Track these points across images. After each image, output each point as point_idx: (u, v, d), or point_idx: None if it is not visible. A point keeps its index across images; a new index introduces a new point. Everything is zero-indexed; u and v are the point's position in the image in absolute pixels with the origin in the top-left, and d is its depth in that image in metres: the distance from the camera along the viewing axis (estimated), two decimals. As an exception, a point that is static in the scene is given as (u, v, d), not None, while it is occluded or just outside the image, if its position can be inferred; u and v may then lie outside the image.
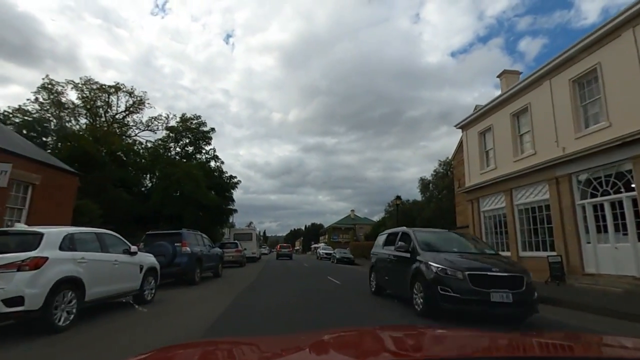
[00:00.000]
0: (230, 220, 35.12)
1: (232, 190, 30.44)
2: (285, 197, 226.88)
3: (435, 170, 32.49)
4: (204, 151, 27.32)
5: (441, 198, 29.57)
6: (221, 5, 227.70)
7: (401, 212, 33.73)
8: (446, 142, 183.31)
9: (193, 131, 25.82)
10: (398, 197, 25.72)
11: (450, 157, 24.99)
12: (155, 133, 25.49)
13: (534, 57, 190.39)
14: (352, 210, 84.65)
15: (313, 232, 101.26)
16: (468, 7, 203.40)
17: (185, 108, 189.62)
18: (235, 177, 30.83)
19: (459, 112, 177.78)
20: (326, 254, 43.98)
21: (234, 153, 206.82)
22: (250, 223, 34.32)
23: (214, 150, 28.17)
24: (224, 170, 29.93)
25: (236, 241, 23.11)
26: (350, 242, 76.97)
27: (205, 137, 26.62)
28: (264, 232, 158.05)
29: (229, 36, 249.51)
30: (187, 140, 26.09)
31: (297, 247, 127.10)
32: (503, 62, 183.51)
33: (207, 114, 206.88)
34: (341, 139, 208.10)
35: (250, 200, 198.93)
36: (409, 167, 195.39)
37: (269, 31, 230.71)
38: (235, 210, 32.14)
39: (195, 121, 25.75)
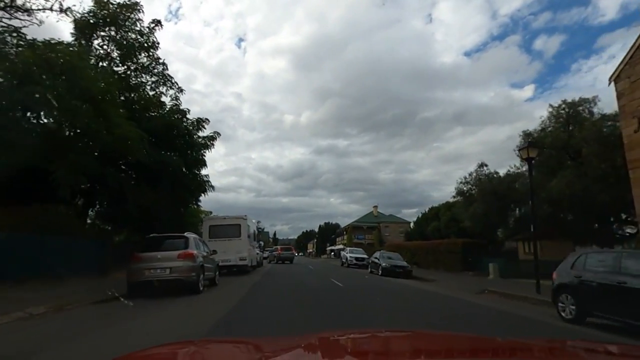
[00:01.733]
0: (202, 199, 22.42)
1: (201, 148, 17.06)
2: (297, 199, 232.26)
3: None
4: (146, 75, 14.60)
5: (581, 162, 16.41)
6: (233, 10, 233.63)
7: (488, 189, 20.49)
8: (460, 143, 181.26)
9: (121, 27, 13.31)
10: (530, 144, 12.54)
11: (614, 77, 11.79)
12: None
13: (552, 54, 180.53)
14: (375, 207, 71.44)
15: (328, 233, 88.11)
16: (482, 6, 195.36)
17: (199, 112, 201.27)
18: (205, 119, 17.38)
19: (474, 113, 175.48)
20: (358, 259, 30.58)
21: (246, 156, 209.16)
22: (245, 216, 18.62)
23: (170, 77, 15.43)
24: (185, 110, 16.24)
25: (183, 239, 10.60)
26: (375, 243, 63.73)
27: (148, 46, 13.97)
28: (274, 234, 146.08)
29: (240, 40, 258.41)
30: (109, 42, 13.45)
31: (310, 250, 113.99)
32: (519, 60, 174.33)
33: (220, 117, 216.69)
34: (353, 141, 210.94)
35: (262, 203, 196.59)
36: (422, 169, 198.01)
37: (281, 34, 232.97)
38: (209, 185, 19.08)
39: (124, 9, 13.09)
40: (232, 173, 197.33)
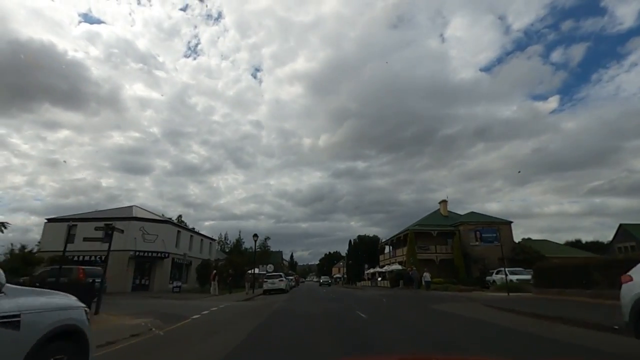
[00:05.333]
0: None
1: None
2: (316, 224, 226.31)
3: None
4: None
5: None
6: (249, 42, 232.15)
7: None
8: (483, 159, 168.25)
9: None
10: None
11: None
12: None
13: (578, 62, 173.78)
14: (444, 202, 47.70)
15: (364, 250, 64.23)
16: (494, 22, 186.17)
17: (220, 141, 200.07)
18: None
19: (496, 127, 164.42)
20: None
21: (265, 183, 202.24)
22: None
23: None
24: None
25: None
26: (455, 257, 39.70)
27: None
28: (291, 257, 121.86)
29: (257, 70, 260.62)
30: None
31: (337, 275, 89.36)
32: (540, 71, 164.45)
33: (240, 145, 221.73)
34: (372, 162, 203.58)
35: (282, 229, 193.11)
36: (444, 188, 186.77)
37: (297, 62, 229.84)
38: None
39: None
40: (251, 200, 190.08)
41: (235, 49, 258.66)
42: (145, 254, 29.15)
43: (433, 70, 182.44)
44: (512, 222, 41.31)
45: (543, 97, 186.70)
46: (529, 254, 37.55)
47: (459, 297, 18.93)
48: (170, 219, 47.52)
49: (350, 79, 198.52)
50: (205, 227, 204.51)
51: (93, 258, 28.62)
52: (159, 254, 29.66)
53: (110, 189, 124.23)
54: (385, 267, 46.49)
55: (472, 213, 43.82)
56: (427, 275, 26.59)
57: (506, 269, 24.97)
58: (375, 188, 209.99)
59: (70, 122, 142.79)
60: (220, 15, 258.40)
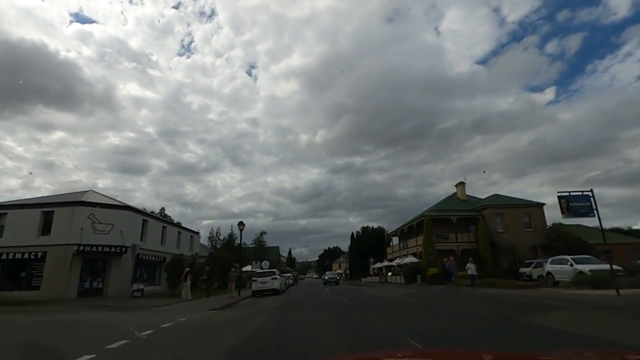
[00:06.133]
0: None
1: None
2: (315, 221, 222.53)
3: None
4: None
5: None
6: (243, 40, 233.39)
7: None
8: (481, 152, 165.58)
9: None
10: None
11: None
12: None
13: (573, 53, 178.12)
14: (461, 184, 41.42)
15: (368, 243, 58.00)
16: (489, 15, 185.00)
17: (216, 140, 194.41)
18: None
19: (494, 120, 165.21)
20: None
21: (263, 181, 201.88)
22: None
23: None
24: None
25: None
26: (481, 246, 33.47)
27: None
28: (289, 253, 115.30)
29: (252, 67, 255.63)
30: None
31: (339, 271, 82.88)
32: (537, 62, 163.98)
33: (237, 143, 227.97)
34: (370, 158, 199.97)
35: (280, 226, 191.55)
36: (442, 182, 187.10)
37: (292, 58, 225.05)
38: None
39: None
40: (249, 198, 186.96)
41: (229, 46, 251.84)
42: (97, 248, 22.57)
43: (429, 64, 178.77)
44: (544, 204, 35.19)
45: (540, 89, 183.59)
46: (569, 239, 31.44)
47: (543, 300, 12.62)
48: (151, 211, 40.89)
49: (347, 73, 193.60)
50: (204, 226, 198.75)
51: (26, 255, 22.02)
52: (116, 249, 23.11)
53: (107, 190, 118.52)
54: (395, 261, 40.22)
55: (496, 195, 37.55)
56: (471, 267, 20.24)
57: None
58: (373, 183, 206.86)
59: (65, 123, 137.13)
60: (213, 13, 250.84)
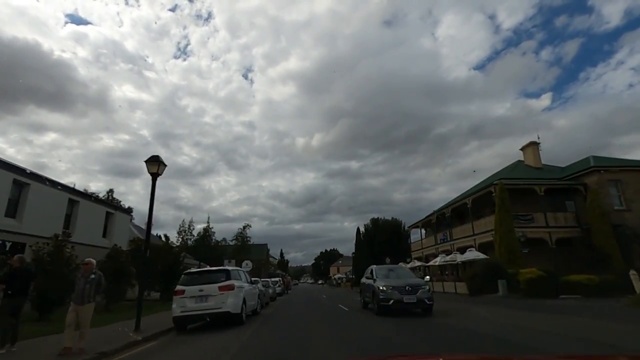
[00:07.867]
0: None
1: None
2: (310, 225, 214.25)
3: None
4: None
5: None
6: (239, 43, 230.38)
7: None
8: (477, 157, 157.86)
9: None
10: None
11: None
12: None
13: (569, 60, 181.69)
14: (534, 144, 28.45)
15: (381, 239, 45.22)
16: (484, 22, 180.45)
17: (211, 143, 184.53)
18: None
19: (490, 125, 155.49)
20: None
21: (258, 185, 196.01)
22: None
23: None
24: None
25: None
26: (597, 234, 20.62)
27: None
28: (281, 254, 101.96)
29: (248, 71, 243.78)
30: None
31: (339, 276, 69.70)
32: (533, 68, 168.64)
33: (233, 147, 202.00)
34: (366, 162, 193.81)
35: (275, 231, 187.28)
36: (438, 187, 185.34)
37: (289, 61, 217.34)
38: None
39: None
40: (244, 202, 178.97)
41: (225, 50, 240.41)
42: None
43: (426, 69, 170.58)
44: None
45: (536, 95, 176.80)
46: None
47: None
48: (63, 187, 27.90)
49: (344, 79, 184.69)
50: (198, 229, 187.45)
51: None
52: None
53: (99, 193, 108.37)
54: (436, 260, 27.42)
55: (597, 157, 24.83)
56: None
57: None
58: (369, 188, 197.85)
59: (57, 124, 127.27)
60: (210, 15, 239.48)
